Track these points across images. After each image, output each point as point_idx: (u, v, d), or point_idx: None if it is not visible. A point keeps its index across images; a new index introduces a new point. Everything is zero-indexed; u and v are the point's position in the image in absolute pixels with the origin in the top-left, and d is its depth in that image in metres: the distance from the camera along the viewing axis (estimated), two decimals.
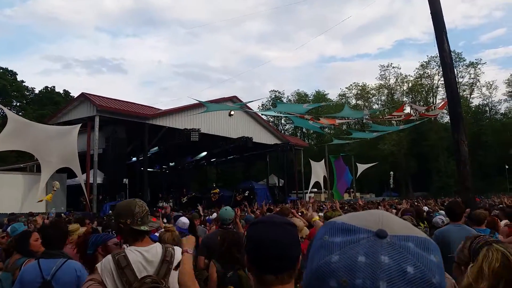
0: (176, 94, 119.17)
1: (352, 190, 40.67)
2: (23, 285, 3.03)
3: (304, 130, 64.07)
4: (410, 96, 58.09)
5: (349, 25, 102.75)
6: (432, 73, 57.63)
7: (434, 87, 58.33)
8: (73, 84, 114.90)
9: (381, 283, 0.54)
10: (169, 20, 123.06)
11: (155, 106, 26.64)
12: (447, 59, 10.76)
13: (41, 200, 17.18)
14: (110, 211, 18.05)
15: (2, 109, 38.49)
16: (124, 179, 22.10)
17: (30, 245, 3.82)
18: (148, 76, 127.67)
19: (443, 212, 9.93)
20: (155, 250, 2.45)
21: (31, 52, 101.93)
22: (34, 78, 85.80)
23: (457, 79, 13.39)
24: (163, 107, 28.35)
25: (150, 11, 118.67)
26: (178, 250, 2.53)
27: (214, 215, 10.08)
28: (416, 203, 16.97)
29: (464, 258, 1.88)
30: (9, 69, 50.19)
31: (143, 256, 2.39)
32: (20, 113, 37.98)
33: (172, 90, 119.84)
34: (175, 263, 2.43)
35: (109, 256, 2.38)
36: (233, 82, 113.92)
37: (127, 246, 2.48)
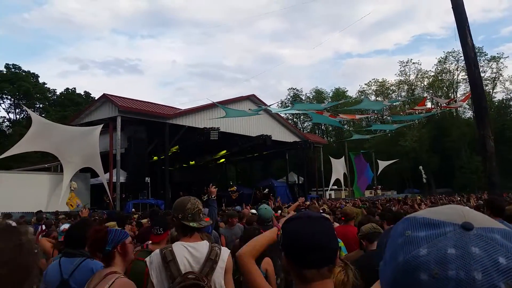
0: (192, 93, 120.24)
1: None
2: (46, 284, 3.09)
3: (323, 127, 63.76)
4: (431, 91, 57.15)
5: (365, 21, 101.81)
6: (451, 68, 56.64)
7: (454, 82, 57.27)
8: (91, 85, 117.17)
9: (475, 273, 0.54)
10: (183, 20, 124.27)
11: (172, 106, 26.92)
12: (470, 54, 10.56)
13: (72, 207, 17.41)
14: (133, 209, 18.35)
15: (26, 111, 39.46)
16: (146, 178, 22.41)
17: None
18: (164, 76, 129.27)
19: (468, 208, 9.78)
20: (201, 247, 2.50)
21: (49, 54, 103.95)
22: (53, 80, 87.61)
23: None
24: (181, 106, 28.64)
25: (164, 12, 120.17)
26: (224, 251, 2.57)
27: None
28: (440, 200, 16.76)
29: None
30: (31, 71, 51.40)
31: (189, 252, 2.44)
32: (43, 115, 38.81)
33: (189, 90, 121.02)
34: (220, 263, 2.46)
35: (157, 250, 2.46)
36: (248, 81, 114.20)
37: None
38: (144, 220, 8.16)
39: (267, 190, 30.78)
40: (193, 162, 37.78)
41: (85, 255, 3.22)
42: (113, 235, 2.62)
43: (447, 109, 41.16)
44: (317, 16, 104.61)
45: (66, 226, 5.17)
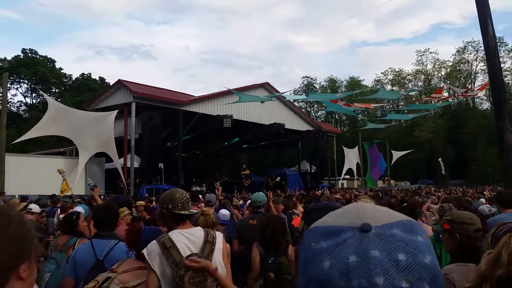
0: (206, 80, 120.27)
1: (387, 178, 40.04)
2: (77, 263, 3.16)
3: (336, 116, 63.34)
4: (448, 82, 56.21)
5: (382, 8, 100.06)
6: (470, 58, 55.49)
7: (472, 72, 56.18)
8: (106, 70, 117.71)
9: (377, 278, 0.53)
10: (199, 6, 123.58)
11: (184, 92, 26.96)
12: (491, 44, 10.29)
13: (65, 191, 17.50)
14: (147, 194, 18.54)
15: (43, 96, 39.96)
16: (160, 164, 22.63)
17: (79, 226, 3.98)
18: (178, 62, 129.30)
19: (483, 200, 9.67)
20: (197, 232, 2.58)
21: (65, 39, 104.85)
22: (69, 65, 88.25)
23: None
24: (194, 93, 28.68)
25: None
26: (219, 234, 2.67)
27: (248, 201, 10.09)
28: (454, 192, 16.53)
29: (487, 246, 1.82)
30: (48, 56, 51.93)
31: (186, 237, 2.50)
32: (58, 100, 39.27)
33: (202, 77, 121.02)
34: (217, 244, 2.55)
35: (154, 241, 2.48)
36: (261, 68, 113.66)
37: None
38: (141, 202, 8.25)
39: (279, 178, 30.80)
40: (206, 149, 37.95)
41: (117, 237, 3.32)
42: (146, 235, 2.67)
43: (464, 99, 40.42)
44: (334, 3, 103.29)
45: (78, 208, 5.21)
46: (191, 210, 2.65)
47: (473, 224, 2.34)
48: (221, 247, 2.58)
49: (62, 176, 15.35)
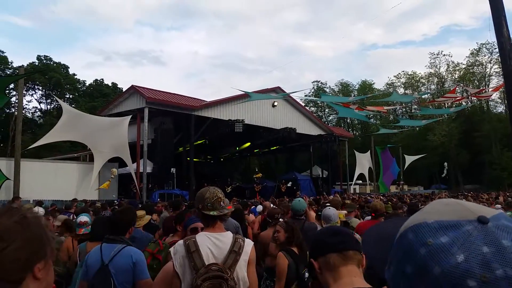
0: (215, 85, 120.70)
1: (402, 182, 39.65)
2: (88, 267, 3.22)
3: (348, 121, 62.97)
4: (462, 84, 55.58)
5: (391, 11, 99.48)
6: (484, 60, 54.71)
7: (486, 75, 55.43)
8: (116, 76, 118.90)
9: None
10: (206, 11, 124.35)
11: (196, 97, 27.08)
12: (506, 45, 10.16)
13: (100, 188, 17.93)
14: (159, 199, 18.65)
15: (57, 101, 40.51)
16: (172, 169, 22.74)
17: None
18: (187, 68, 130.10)
19: (498, 206, 9.53)
20: (225, 238, 2.51)
21: (76, 46, 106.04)
22: (80, 71, 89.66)
23: None
24: (204, 98, 28.81)
25: (187, 3, 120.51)
26: (248, 243, 2.57)
27: (260, 207, 9.98)
28: (463, 197, 16.26)
29: None
30: (61, 63, 52.65)
31: (213, 242, 2.45)
32: (73, 105, 39.78)
33: (211, 82, 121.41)
34: (243, 255, 2.46)
35: (181, 241, 2.48)
36: (270, 73, 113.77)
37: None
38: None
39: (290, 183, 30.71)
40: (218, 154, 38.04)
41: (125, 242, 3.33)
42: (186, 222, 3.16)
43: (478, 101, 39.81)
44: (342, 6, 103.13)
45: (82, 218, 5.25)
46: (222, 211, 2.53)
47: None
48: (247, 259, 2.47)
49: (112, 177, 16.05)
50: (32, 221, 1.03)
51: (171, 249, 2.46)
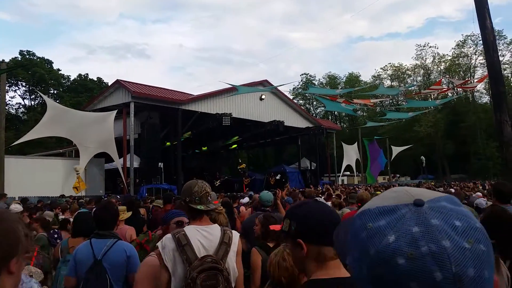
0: (202, 79, 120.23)
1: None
2: (77, 263, 3.18)
3: (336, 113, 63.25)
4: (447, 76, 56.18)
5: (377, 3, 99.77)
6: (469, 52, 55.37)
7: (471, 66, 56.11)
8: (101, 70, 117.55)
9: (443, 242, 0.58)
10: (191, 2, 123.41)
11: (182, 91, 26.91)
12: (489, 37, 10.27)
13: (78, 191, 17.59)
14: (146, 194, 18.56)
15: (41, 97, 39.91)
16: (160, 163, 22.61)
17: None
18: (173, 61, 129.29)
19: (479, 193, 9.70)
20: (214, 231, 2.51)
21: (58, 40, 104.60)
22: (64, 66, 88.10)
23: None
24: (191, 91, 28.65)
25: None
26: (235, 234, 2.59)
27: (246, 199, 10.03)
28: (447, 187, 16.47)
29: None
30: (45, 58, 51.79)
31: (202, 235, 2.44)
32: (57, 101, 39.21)
33: (198, 75, 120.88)
34: (232, 247, 2.48)
35: (169, 235, 2.44)
36: (257, 66, 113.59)
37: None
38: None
39: (279, 176, 30.80)
40: (206, 148, 37.95)
41: (116, 236, 3.31)
42: (166, 215, 3.06)
43: (463, 93, 40.29)
44: None
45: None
46: (209, 205, 2.53)
47: None
48: (236, 249, 2.51)
49: (77, 173, 15.59)
50: (5, 216, 1.05)
51: (159, 244, 2.42)
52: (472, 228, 0.61)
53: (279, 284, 1.85)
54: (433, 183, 24.55)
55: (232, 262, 2.46)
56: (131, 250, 3.25)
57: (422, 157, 41.14)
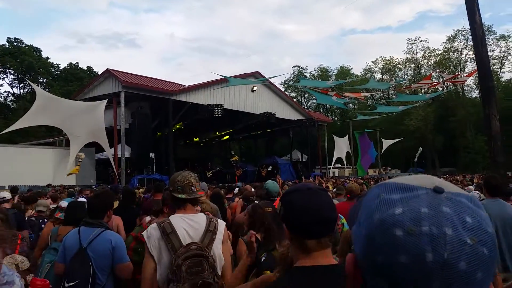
0: (193, 69, 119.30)
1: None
2: (66, 250, 3.20)
3: (327, 106, 63.39)
4: (438, 70, 56.53)
5: None
6: (459, 47, 55.73)
7: (462, 61, 56.50)
8: (90, 59, 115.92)
9: (446, 229, 0.59)
10: None
11: (174, 81, 26.76)
12: (478, 32, 10.38)
13: (70, 174, 17.66)
14: (138, 184, 18.51)
15: (30, 86, 39.38)
16: (151, 154, 22.52)
17: None
18: (164, 51, 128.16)
19: (471, 187, 9.81)
20: (199, 219, 2.55)
21: (46, 28, 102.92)
22: (54, 54, 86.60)
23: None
24: (182, 82, 28.47)
25: None
26: (221, 223, 2.62)
27: (236, 190, 10.03)
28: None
29: None
30: (34, 46, 51.01)
31: (188, 223, 2.48)
32: (47, 90, 38.73)
33: (189, 65, 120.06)
34: (218, 235, 2.52)
35: (155, 224, 2.48)
36: (249, 57, 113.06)
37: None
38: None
39: (271, 167, 30.87)
40: (197, 139, 37.87)
41: (104, 226, 3.30)
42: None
43: (453, 87, 40.56)
44: None
45: (63, 203, 5.18)
46: (192, 195, 2.56)
47: None
48: (221, 238, 2.54)
49: (79, 161, 15.63)
50: None
51: (144, 233, 2.45)
52: (481, 229, 0.61)
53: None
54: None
55: (218, 249, 2.49)
56: (117, 240, 3.23)
57: (420, 148, 41.46)
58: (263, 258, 2.93)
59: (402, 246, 0.60)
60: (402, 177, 0.72)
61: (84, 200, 4.92)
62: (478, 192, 6.47)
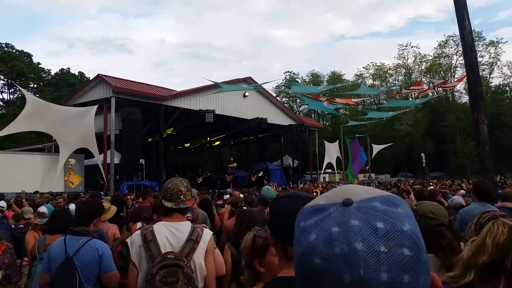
0: (184, 75, 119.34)
1: (368, 168, 40.48)
2: (51, 259, 3.14)
3: (319, 111, 63.63)
4: (428, 75, 57.10)
5: (358, 3, 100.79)
6: (450, 52, 56.36)
7: (452, 67, 57.13)
8: (80, 64, 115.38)
9: (356, 244, 0.57)
10: None
11: (165, 87, 26.68)
12: (467, 38, 10.45)
13: (73, 184, 17.38)
14: (127, 191, 18.37)
15: (20, 91, 39.02)
16: (141, 160, 22.38)
17: None
18: (155, 56, 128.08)
19: (462, 191, 9.84)
20: (183, 228, 2.51)
21: (37, 33, 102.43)
22: (45, 59, 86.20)
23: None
24: (173, 87, 28.43)
25: None
26: (206, 232, 2.57)
27: (227, 196, 10.00)
28: (424, 185, 16.51)
29: (471, 234, 1.84)
30: (24, 51, 50.60)
31: (170, 232, 2.45)
32: (37, 95, 38.43)
33: (180, 71, 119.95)
34: (201, 244, 2.47)
35: (138, 231, 2.48)
36: (240, 62, 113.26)
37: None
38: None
39: (261, 173, 30.86)
40: (188, 145, 37.74)
41: (90, 234, 3.26)
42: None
43: (443, 92, 40.89)
44: None
45: (41, 209, 5.09)
46: (179, 204, 2.51)
47: (435, 218, 2.16)
48: (205, 247, 2.48)
49: (69, 167, 15.44)
50: None
51: (128, 240, 2.45)
52: (396, 231, 0.58)
53: (250, 267, 1.82)
54: (412, 181, 24.94)
55: (199, 259, 2.44)
56: (104, 249, 3.19)
57: (422, 154, 41.67)
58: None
59: (321, 273, 0.58)
60: (320, 196, 0.70)
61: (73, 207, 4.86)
62: (460, 197, 6.49)
